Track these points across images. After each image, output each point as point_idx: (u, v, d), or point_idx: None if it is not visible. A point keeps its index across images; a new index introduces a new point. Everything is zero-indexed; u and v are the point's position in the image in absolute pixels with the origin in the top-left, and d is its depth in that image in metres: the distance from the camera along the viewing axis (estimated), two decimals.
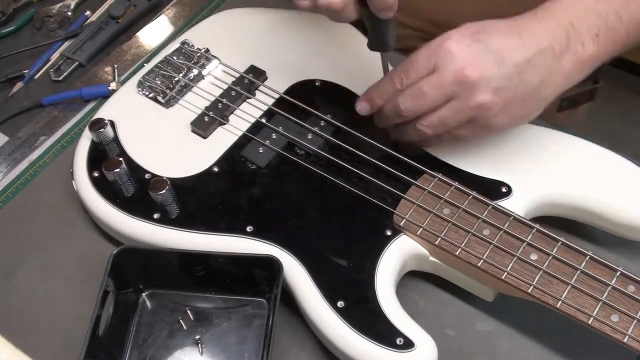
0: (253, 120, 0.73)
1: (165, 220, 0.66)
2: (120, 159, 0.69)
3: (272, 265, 0.61)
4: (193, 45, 0.79)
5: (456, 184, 0.64)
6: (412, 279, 0.65)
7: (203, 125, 0.72)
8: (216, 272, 0.63)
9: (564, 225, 0.66)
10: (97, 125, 0.71)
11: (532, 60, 0.57)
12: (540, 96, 0.59)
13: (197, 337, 0.63)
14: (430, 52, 0.59)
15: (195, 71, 0.77)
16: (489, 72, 0.57)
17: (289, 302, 0.62)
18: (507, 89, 0.57)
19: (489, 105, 0.58)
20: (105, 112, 0.75)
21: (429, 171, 0.65)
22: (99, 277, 0.61)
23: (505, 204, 0.63)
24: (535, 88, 0.58)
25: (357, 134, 0.69)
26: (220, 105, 0.74)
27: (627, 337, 0.54)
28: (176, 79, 0.76)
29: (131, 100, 0.76)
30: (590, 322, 0.55)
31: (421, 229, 0.62)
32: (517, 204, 0.63)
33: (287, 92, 0.74)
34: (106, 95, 0.81)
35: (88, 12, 0.92)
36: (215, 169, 0.69)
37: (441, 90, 0.58)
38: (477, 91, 0.57)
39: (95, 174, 0.69)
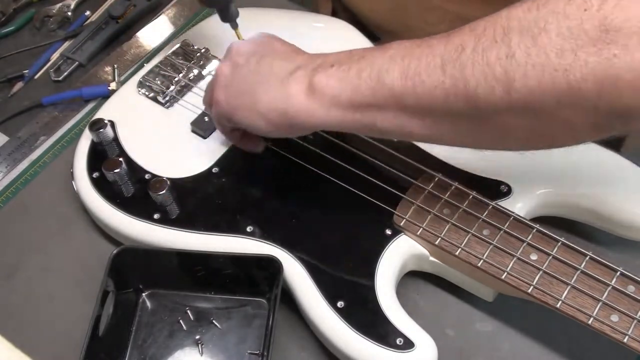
0: None
1: (166, 220, 0.66)
2: (120, 159, 0.69)
3: (272, 265, 0.61)
4: (193, 45, 0.79)
5: (456, 184, 0.64)
6: (412, 279, 0.65)
7: (203, 125, 0.72)
8: (216, 272, 0.63)
9: (564, 225, 0.66)
10: (97, 125, 0.71)
11: (261, 60, 0.60)
12: (256, 96, 0.59)
13: (197, 337, 0.63)
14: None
15: (195, 71, 0.77)
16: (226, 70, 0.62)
17: (289, 302, 0.62)
18: (232, 80, 0.61)
19: (219, 101, 0.62)
20: (105, 112, 0.75)
21: (429, 171, 0.65)
22: (99, 277, 0.61)
23: (505, 204, 0.63)
24: (253, 82, 0.60)
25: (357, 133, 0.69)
26: None
27: (627, 337, 0.54)
28: (176, 79, 0.76)
29: (131, 100, 0.76)
30: (590, 322, 0.55)
31: (421, 229, 0.62)
32: (517, 204, 0.63)
33: None
34: (106, 95, 0.81)
35: (88, 12, 0.92)
36: (215, 169, 0.69)
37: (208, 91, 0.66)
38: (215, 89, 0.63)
39: (95, 174, 0.69)
